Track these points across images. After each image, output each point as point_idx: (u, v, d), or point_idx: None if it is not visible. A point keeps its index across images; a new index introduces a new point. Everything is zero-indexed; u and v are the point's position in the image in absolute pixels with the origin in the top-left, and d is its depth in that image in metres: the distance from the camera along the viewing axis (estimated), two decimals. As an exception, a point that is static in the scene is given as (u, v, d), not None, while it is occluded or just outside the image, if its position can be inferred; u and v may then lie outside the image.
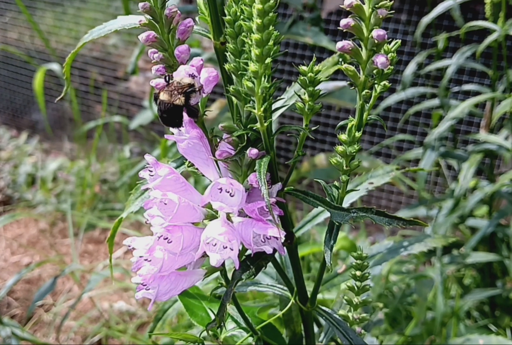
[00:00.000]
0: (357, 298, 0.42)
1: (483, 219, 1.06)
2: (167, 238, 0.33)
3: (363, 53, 0.32)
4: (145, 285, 0.35)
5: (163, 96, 0.37)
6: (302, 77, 0.35)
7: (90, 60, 2.63)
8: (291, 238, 0.41)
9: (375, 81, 0.33)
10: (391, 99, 1.06)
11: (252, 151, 0.35)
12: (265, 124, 0.34)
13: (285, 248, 0.41)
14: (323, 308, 0.44)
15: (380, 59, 0.31)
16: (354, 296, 0.42)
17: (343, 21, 0.31)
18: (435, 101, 1.06)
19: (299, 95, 0.37)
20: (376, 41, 0.30)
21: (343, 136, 0.34)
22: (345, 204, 0.55)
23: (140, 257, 0.35)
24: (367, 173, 0.57)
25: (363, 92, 0.33)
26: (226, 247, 0.32)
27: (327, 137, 1.44)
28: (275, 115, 0.39)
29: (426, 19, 0.96)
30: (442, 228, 1.01)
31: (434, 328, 0.77)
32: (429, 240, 0.56)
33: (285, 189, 0.38)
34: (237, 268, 0.33)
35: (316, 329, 0.58)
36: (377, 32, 0.30)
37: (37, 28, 1.65)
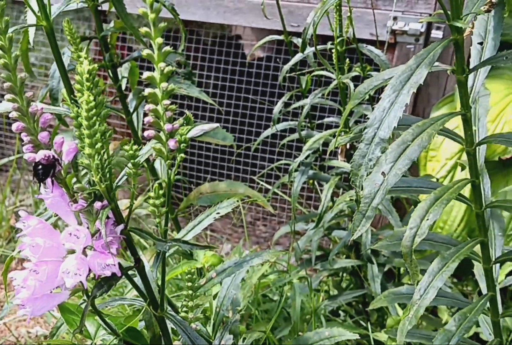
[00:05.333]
0: (191, 302, 0.57)
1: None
2: (35, 271, 0.47)
3: (163, 137, 0.47)
4: (23, 305, 0.49)
5: (34, 165, 0.52)
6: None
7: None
8: (138, 262, 0.56)
9: (176, 154, 0.49)
10: (266, 133, 1.24)
11: (97, 205, 0.50)
12: (103, 186, 0.49)
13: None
14: (171, 312, 0.59)
15: (171, 143, 0.46)
16: (190, 302, 0.57)
17: (146, 119, 0.46)
18: (303, 132, 1.25)
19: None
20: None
21: (152, 194, 0.49)
22: (194, 233, 0.71)
23: (18, 285, 0.48)
24: (215, 205, 0.73)
25: (167, 162, 0.48)
26: (77, 274, 0.47)
27: (210, 168, 1.61)
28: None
29: (286, 66, 1.15)
30: (314, 239, 1.20)
31: (299, 326, 0.93)
32: (265, 254, 0.73)
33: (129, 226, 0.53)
34: (84, 288, 0.47)
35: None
36: (167, 126, 0.46)
37: None
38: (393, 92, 0.69)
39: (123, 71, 1.08)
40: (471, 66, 0.80)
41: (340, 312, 1.30)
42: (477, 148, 0.79)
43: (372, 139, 0.68)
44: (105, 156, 0.48)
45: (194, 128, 1.05)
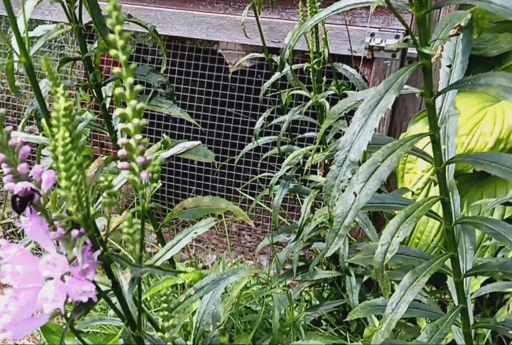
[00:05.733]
0: (167, 323, 0.60)
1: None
2: (16, 297, 0.49)
3: (136, 168, 0.50)
4: (5, 329, 0.51)
5: (12, 197, 0.54)
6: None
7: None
8: (116, 285, 0.58)
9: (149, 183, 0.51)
10: (248, 147, 1.27)
11: (73, 233, 0.52)
12: (80, 215, 0.51)
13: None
14: (148, 332, 0.61)
15: (143, 175, 0.49)
16: (167, 323, 0.60)
17: (120, 152, 0.49)
18: (284, 147, 1.28)
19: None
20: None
21: (125, 223, 0.52)
22: (173, 252, 0.73)
23: (0, 310, 0.51)
24: (193, 225, 0.76)
25: (140, 192, 0.51)
26: (55, 301, 0.49)
27: (195, 180, 1.64)
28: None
29: (266, 84, 1.18)
30: (295, 251, 1.23)
31: (278, 338, 0.96)
32: (241, 272, 0.75)
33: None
34: (62, 313, 0.50)
35: None
36: (139, 159, 0.48)
37: None
38: (363, 116, 0.72)
39: (107, 89, 1.10)
40: (440, 88, 0.84)
41: (322, 321, 1.33)
42: (446, 166, 0.82)
43: (343, 161, 0.71)
44: (82, 186, 0.51)
45: (177, 145, 1.08)
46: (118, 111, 0.47)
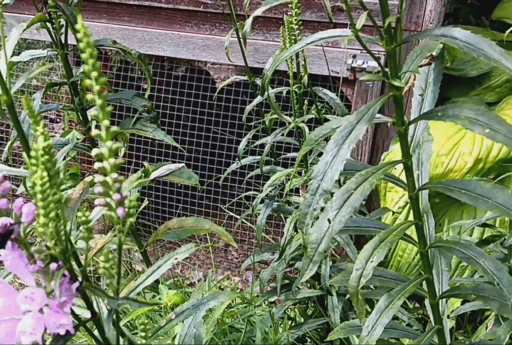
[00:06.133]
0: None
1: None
2: (-6, 330, 0.51)
3: (113, 205, 0.52)
4: (-16, 361, 0.53)
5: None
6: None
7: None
8: (94, 315, 0.60)
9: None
10: (232, 167, 1.30)
11: (52, 266, 0.54)
12: (57, 250, 0.53)
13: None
14: (126, 359, 0.63)
15: (119, 211, 0.51)
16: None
17: (97, 189, 0.51)
18: (267, 167, 1.30)
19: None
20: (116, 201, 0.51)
21: (102, 258, 0.54)
22: (153, 278, 0.75)
23: (-21, 343, 0.53)
24: (174, 251, 0.78)
25: (117, 227, 0.53)
26: (33, 333, 0.51)
27: (182, 197, 1.65)
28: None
29: (248, 106, 1.20)
30: (279, 270, 1.25)
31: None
32: (221, 297, 0.77)
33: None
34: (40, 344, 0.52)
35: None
36: (115, 197, 0.51)
37: None
38: (335, 146, 0.74)
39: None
40: (412, 116, 0.87)
41: (306, 337, 1.34)
42: (419, 192, 0.85)
43: (316, 190, 0.73)
44: (61, 221, 0.53)
45: (160, 167, 1.10)
46: (95, 151, 0.49)
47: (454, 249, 0.83)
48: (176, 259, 0.76)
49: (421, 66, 0.92)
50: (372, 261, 0.79)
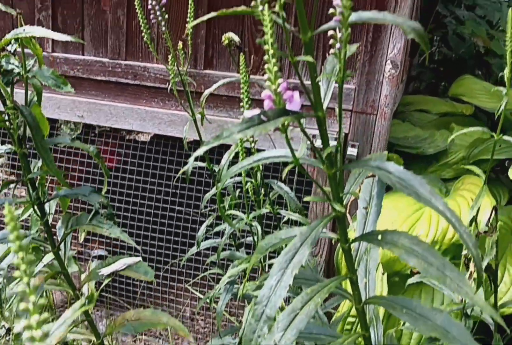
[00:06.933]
0: None
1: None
2: None
3: None
4: None
5: None
6: None
7: None
8: None
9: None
10: (192, 250, 1.31)
11: None
12: None
13: None
14: None
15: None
16: None
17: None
18: (226, 252, 1.32)
19: None
20: None
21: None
22: None
23: None
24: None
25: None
26: None
27: (162, 266, 1.65)
28: None
29: (207, 195, 1.23)
30: None
31: None
32: None
33: None
34: None
35: None
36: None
37: None
38: (279, 270, 0.75)
39: (51, 204, 1.12)
40: (357, 231, 0.89)
41: None
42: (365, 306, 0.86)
43: (260, 316, 0.74)
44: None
45: (118, 261, 1.10)
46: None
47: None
48: None
49: (366, 178, 0.94)
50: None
